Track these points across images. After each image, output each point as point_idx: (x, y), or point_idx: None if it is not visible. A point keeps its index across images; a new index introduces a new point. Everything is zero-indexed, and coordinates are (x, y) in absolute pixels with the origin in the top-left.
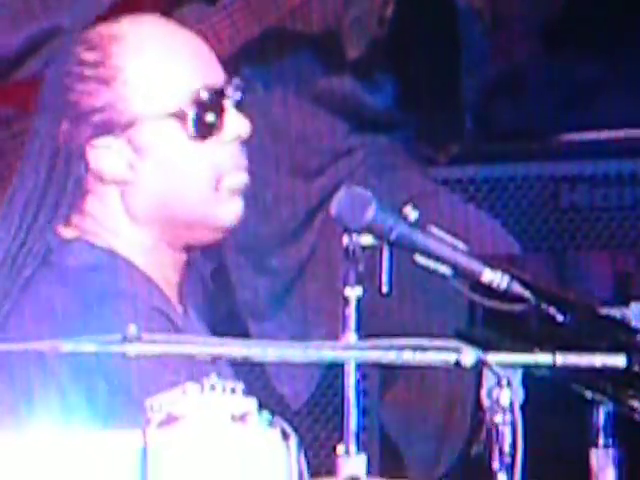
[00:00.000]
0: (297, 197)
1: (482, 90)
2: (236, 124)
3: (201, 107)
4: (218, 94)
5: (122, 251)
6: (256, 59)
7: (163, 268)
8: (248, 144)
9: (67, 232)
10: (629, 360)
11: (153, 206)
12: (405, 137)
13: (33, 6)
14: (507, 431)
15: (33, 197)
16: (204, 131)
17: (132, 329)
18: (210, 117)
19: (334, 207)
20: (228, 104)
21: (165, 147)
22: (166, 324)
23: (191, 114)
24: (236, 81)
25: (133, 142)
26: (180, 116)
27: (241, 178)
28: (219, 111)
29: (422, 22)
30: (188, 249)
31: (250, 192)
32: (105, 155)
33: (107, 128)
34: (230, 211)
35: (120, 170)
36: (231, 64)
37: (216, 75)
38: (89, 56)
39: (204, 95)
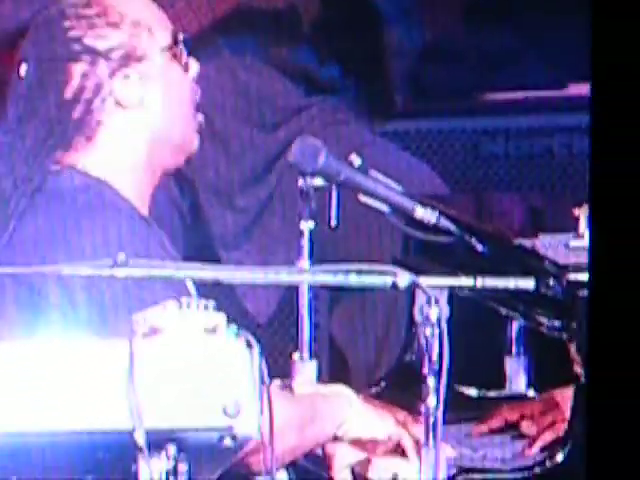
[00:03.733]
0: (260, 147)
1: (413, 59)
2: (195, 65)
3: (179, 44)
4: (182, 39)
5: (107, 177)
6: (226, 30)
7: (140, 192)
8: (217, 101)
9: (61, 163)
10: (537, 283)
11: (156, 127)
12: (350, 99)
13: None
14: (435, 342)
15: (43, 133)
16: (185, 64)
17: (121, 255)
18: (184, 53)
19: (291, 154)
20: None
21: (168, 77)
22: (148, 231)
23: (181, 51)
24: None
25: (144, 73)
26: (176, 53)
27: (201, 117)
28: (186, 51)
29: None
30: (163, 173)
31: (220, 142)
32: (124, 84)
33: (124, 62)
34: (196, 142)
35: (135, 96)
36: (205, 33)
37: (170, 22)
38: (90, 11)
39: (178, 37)
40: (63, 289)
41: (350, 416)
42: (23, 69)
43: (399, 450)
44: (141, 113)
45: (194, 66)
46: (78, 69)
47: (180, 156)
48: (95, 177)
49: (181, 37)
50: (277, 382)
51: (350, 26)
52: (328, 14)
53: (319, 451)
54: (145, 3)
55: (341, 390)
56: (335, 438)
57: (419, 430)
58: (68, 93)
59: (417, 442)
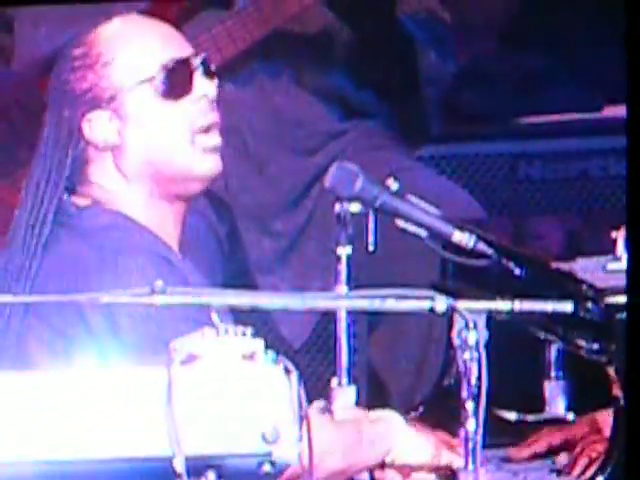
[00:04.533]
0: (297, 171)
1: (448, 83)
2: (203, 85)
3: (168, 72)
4: (183, 62)
5: (126, 211)
6: (263, 55)
7: (162, 221)
8: (254, 126)
9: (81, 201)
10: (575, 306)
11: (139, 164)
12: (386, 123)
13: (77, 12)
14: (474, 366)
15: (47, 170)
16: (173, 92)
17: (159, 283)
18: (176, 79)
19: (328, 179)
20: (195, 70)
21: (144, 110)
22: (169, 269)
23: (159, 77)
24: (202, 54)
25: (117, 111)
26: (151, 81)
27: (215, 139)
28: (186, 75)
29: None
30: (180, 200)
31: (257, 166)
32: (97, 126)
33: (95, 103)
34: (207, 164)
35: (110, 137)
36: (241, 58)
37: (182, 50)
38: (77, 51)
39: (170, 64)
40: (105, 317)
41: (398, 442)
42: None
43: (449, 474)
44: (121, 152)
45: (201, 88)
46: (65, 112)
47: (189, 184)
48: (119, 213)
49: (176, 62)
50: (317, 404)
51: (384, 51)
52: (362, 39)
53: (366, 477)
54: (136, 37)
55: (389, 415)
56: (383, 464)
57: (456, 457)
58: (59, 134)
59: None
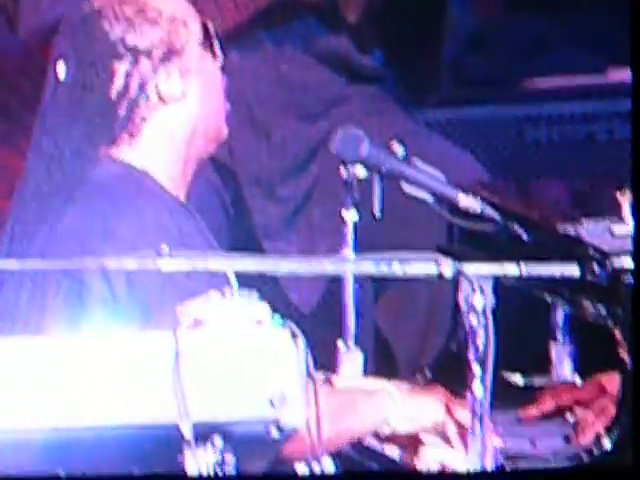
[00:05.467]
0: (303, 137)
1: (458, 46)
2: (220, 53)
3: (212, 37)
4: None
5: (144, 166)
6: (267, 22)
7: (178, 177)
8: (258, 93)
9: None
10: (582, 270)
11: (195, 120)
12: (391, 87)
13: None
14: (480, 330)
15: (88, 133)
16: (214, 53)
17: (164, 247)
18: (213, 42)
19: (333, 144)
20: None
21: (204, 69)
22: (186, 215)
23: (213, 42)
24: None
25: (183, 67)
26: (209, 44)
27: (228, 106)
28: (215, 39)
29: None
30: (197, 161)
31: (262, 133)
32: (168, 80)
33: (166, 58)
34: (226, 130)
35: (179, 90)
36: (245, 26)
37: (201, 14)
38: (128, 9)
39: (209, 27)
40: (106, 281)
41: (393, 412)
42: (61, 69)
43: (444, 437)
44: (182, 107)
45: (221, 55)
46: (121, 68)
47: (213, 145)
48: (135, 167)
49: (211, 27)
50: (321, 375)
51: (396, 12)
52: (371, 2)
53: (367, 442)
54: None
55: (383, 387)
56: (377, 434)
57: (464, 415)
58: (112, 92)
59: (462, 427)
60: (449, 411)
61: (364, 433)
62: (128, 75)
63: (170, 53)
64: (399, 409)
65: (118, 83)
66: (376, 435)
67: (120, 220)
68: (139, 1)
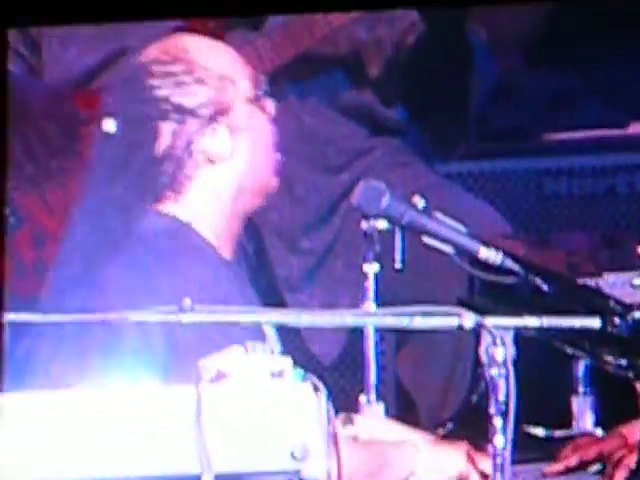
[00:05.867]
0: (325, 189)
1: (481, 100)
2: (272, 104)
3: (262, 90)
4: (263, 82)
5: (190, 220)
6: (292, 75)
7: (224, 233)
8: (285, 145)
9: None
10: (603, 322)
11: (244, 177)
12: (414, 140)
13: (105, 31)
14: (502, 382)
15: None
16: (264, 111)
17: (187, 301)
18: (266, 100)
19: (355, 197)
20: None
21: (252, 125)
22: (227, 273)
23: (262, 95)
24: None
25: (231, 125)
26: (257, 98)
27: (279, 156)
28: (266, 91)
29: (436, 49)
30: (245, 217)
31: (284, 184)
32: (214, 139)
33: (212, 117)
34: (276, 180)
35: (226, 150)
36: (270, 78)
37: (250, 67)
38: (177, 68)
39: (260, 82)
40: (141, 334)
41: (419, 463)
42: (109, 125)
43: None
44: (229, 165)
45: (271, 106)
46: (167, 127)
47: (261, 198)
48: (181, 221)
49: (262, 81)
50: (339, 417)
51: (419, 67)
52: (397, 56)
53: None
54: (227, 54)
55: (409, 437)
56: None
57: (487, 465)
58: (158, 151)
59: (485, 477)
60: (472, 461)
61: None
62: (174, 134)
63: (218, 112)
64: (425, 460)
65: (164, 142)
66: None
67: (162, 275)
68: (188, 59)
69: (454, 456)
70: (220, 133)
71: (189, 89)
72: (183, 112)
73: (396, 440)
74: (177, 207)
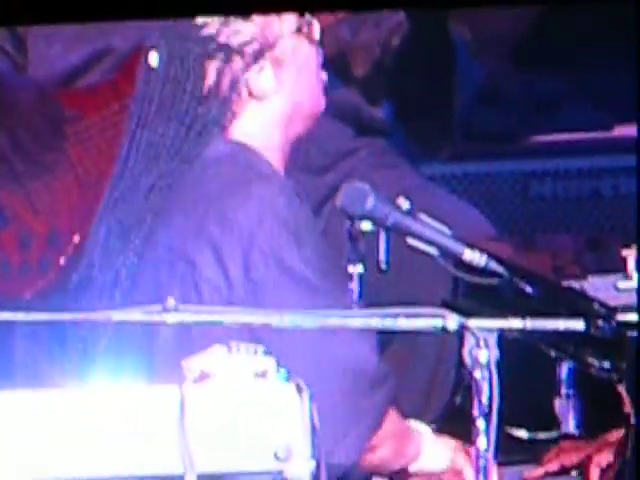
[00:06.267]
0: (309, 189)
1: (467, 102)
2: (317, 25)
3: (302, 17)
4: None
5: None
6: None
7: (281, 162)
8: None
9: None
10: (587, 324)
11: (291, 107)
12: (400, 141)
13: (89, 31)
14: (485, 384)
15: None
16: (312, 34)
17: (170, 301)
18: (310, 24)
19: (339, 198)
20: None
21: (297, 56)
22: (299, 199)
23: (304, 23)
24: None
25: (276, 59)
26: (300, 28)
27: (325, 75)
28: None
29: (421, 50)
30: (295, 141)
31: None
32: (260, 76)
33: (259, 54)
34: (324, 101)
35: (271, 85)
36: None
37: None
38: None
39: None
40: (115, 334)
41: (423, 449)
42: (154, 59)
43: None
44: (276, 99)
45: (317, 27)
46: (213, 66)
47: (312, 121)
48: (247, 145)
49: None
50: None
51: (404, 67)
52: (383, 57)
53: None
54: None
55: (419, 426)
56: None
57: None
58: (204, 89)
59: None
60: (470, 456)
61: (399, 467)
62: (219, 73)
63: (263, 49)
64: (427, 447)
65: (209, 81)
66: (396, 473)
67: (235, 206)
68: None
69: (453, 447)
70: (265, 69)
71: (235, 27)
72: (228, 50)
73: (407, 425)
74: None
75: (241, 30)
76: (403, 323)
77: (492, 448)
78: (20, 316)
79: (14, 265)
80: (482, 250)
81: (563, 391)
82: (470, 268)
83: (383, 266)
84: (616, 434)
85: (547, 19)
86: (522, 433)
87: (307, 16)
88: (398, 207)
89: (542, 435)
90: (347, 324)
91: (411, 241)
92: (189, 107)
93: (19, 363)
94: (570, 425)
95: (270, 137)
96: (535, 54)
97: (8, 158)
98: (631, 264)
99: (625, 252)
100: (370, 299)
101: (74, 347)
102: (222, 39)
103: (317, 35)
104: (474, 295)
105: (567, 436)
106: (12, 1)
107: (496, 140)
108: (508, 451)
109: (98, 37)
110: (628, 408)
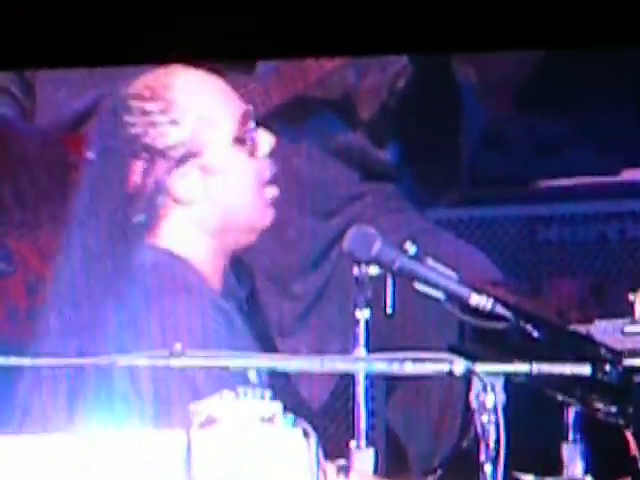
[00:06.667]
0: (316, 233)
1: (473, 147)
2: (267, 139)
3: (248, 129)
4: (251, 117)
5: (181, 253)
6: (283, 119)
7: (212, 273)
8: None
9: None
10: (593, 369)
11: (220, 217)
12: (406, 186)
13: (96, 75)
14: (492, 429)
15: (110, 230)
16: (254, 149)
17: (177, 346)
18: (255, 137)
19: (346, 242)
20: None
21: (229, 167)
22: (216, 311)
23: (245, 136)
24: (250, 108)
25: (204, 167)
26: (238, 139)
27: (275, 190)
28: (256, 129)
29: (427, 92)
30: (231, 256)
31: (276, 228)
32: (182, 182)
33: (183, 159)
34: (269, 215)
35: (195, 192)
36: (261, 121)
37: (242, 103)
38: (153, 106)
39: (247, 119)
40: (131, 379)
41: None
42: (90, 155)
43: None
44: (202, 207)
45: (266, 143)
46: (138, 165)
47: (251, 235)
48: (166, 250)
49: (251, 119)
50: (336, 463)
51: (410, 111)
52: (389, 100)
53: None
54: (215, 90)
55: None
56: None
57: None
58: (130, 188)
59: None
60: None
61: None
62: (145, 173)
63: (189, 154)
64: None
65: (135, 179)
66: None
67: (151, 319)
68: (167, 97)
69: None
70: (189, 175)
71: (161, 130)
72: (153, 152)
73: None
74: (160, 241)
75: (167, 133)
76: (410, 368)
77: None
78: (26, 361)
79: (22, 310)
80: (489, 294)
81: (570, 436)
82: (477, 312)
83: (389, 310)
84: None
85: (550, 62)
86: (529, 478)
87: (252, 131)
88: (405, 251)
89: None
90: (354, 368)
91: (418, 285)
92: (117, 203)
93: (25, 407)
94: (577, 470)
95: (199, 246)
96: (539, 96)
97: (10, 207)
98: (638, 308)
99: (632, 296)
100: (377, 344)
101: (79, 392)
102: (147, 140)
103: (264, 150)
104: (481, 339)
105: None
106: (17, 44)
107: (502, 184)
108: None
109: (104, 82)
110: (635, 453)
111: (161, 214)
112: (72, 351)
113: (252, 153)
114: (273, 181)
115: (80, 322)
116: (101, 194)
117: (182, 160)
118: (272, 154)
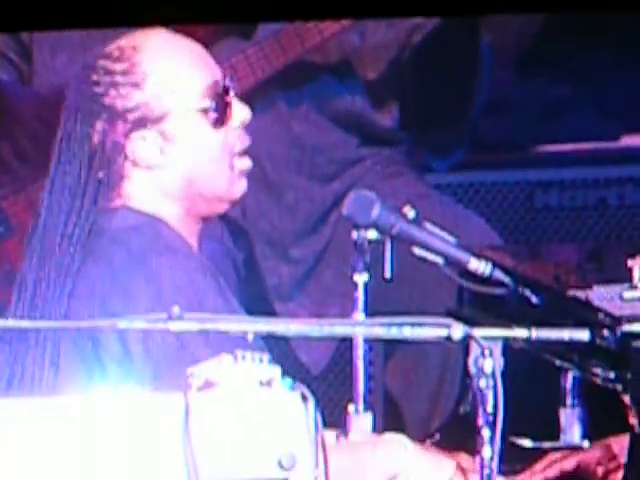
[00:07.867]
0: (315, 198)
1: (476, 111)
2: (240, 112)
3: (217, 100)
4: (225, 88)
5: (161, 216)
6: (282, 83)
7: (188, 235)
8: (272, 153)
9: (112, 204)
10: (592, 334)
11: (181, 184)
12: (405, 150)
13: (94, 38)
14: (490, 394)
15: (76, 187)
16: (220, 120)
17: (175, 309)
18: (223, 108)
19: (345, 207)
20: (231, 95)
21: (191, 135)
22: (202, 269)
23: (211, 106)
24: (231, 74)
25: (164, 133)
26: (203, 109)
27: (248, 162)
28: (228, 102)
29: (446, 50)
30: (204, 220)
31: (274, 193)
32: (142, 144)
33: (141, 123)
34: (241, 186)
35: (153, 157)
36: (261, 86)
37: (217, 72)
38: (117, 67)
39: (217, 89)
40: (121, 342)
41: (407, 466)
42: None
43: None
44: (163, 172)
45: (239, 115)
46: (98, 125)
47: (220, 204)
48: (147, 214)
49: (220, 90)
50: (332, 433)
51: (422, 68)
52: (401, 55)
53: None
54: (183, 58)
55: (395, 439)
56: None
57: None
58: (93, 147)
59: None
60: (463, 474)
61: None
62: (104, 133)
63: (148, 119)
64: (412, 461)
65: (95, 139)
66: None
67: (137, 280)
68: (133, 60)
69: (443, 464)
70: (148, 140)
71: (122, 91)
72: (113, 113)
73: (379, 442)
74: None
75: (127, 95)
76: (408, 332)
77: (496, 457)
78: (25, 324)
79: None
80: (487, 259)
81: (568, 401)
82: (475, 277)
83: (388, 275)
84: (619, 442)
85: (553, 28)
86: (527, 442)
87: (220, 102)
88: (404, 216)
89: (547, 445)
90: (352, 332)
91: (417, 250)
92: (81, 163)
93: (16, 371)
94: (575, 435)
95: (168, 209)
96: (541, 63)
97: (11, 166)
98: (637, 274)
99: (631, 262)
100: (375, 308)
101: (71, 355)
102: (107, 100)
103: (235, 122)
104: (479, 304)
105: (571, 447)
106: (14, 7)
107: (501, 149)
108: (512, 461)
109: (102, 45)
110: (633, 418)
111: (123, 175)
112: (59, 314)
113: (220, 124)
114: (244, 153)
115: (63, 284)
116: (69, 150)
117: (140, 124)
118: (245, 126)
